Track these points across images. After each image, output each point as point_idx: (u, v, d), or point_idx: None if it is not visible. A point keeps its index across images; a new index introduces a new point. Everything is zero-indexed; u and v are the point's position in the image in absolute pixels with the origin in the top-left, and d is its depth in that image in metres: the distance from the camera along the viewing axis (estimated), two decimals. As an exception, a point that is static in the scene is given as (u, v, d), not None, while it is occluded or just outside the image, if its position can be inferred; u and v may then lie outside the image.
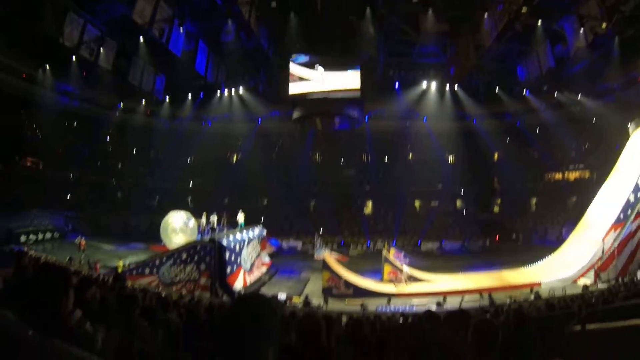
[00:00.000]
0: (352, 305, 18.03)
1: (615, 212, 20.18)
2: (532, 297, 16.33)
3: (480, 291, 18.17)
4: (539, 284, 19.06)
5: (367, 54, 29.13)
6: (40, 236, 27.45)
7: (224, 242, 19.62)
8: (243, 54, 29.57)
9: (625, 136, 22.94)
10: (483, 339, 2.16)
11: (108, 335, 2.97)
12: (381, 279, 21.99)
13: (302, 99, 30.53)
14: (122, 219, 34.90)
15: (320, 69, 29.56)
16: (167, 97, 35.58)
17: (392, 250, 24.86)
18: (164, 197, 37.24)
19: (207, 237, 20.62)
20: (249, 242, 22.77)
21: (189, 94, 36.41)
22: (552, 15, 23.64)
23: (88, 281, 4.77)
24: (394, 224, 35.38)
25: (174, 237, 23.08)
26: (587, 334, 2.35)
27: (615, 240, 19.06)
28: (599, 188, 22.92)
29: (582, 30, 22.44)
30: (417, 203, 39.41)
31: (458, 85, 33.57)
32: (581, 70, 26.77)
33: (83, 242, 23.87)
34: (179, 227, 23.55)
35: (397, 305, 17.94)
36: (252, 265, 22.85)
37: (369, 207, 39.90)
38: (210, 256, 18.84)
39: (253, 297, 1.49)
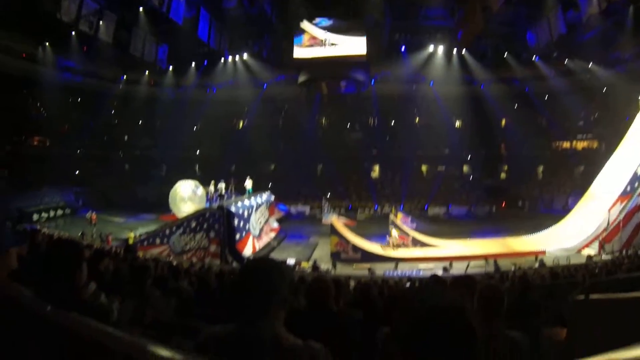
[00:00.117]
0: (360, 270, 18.24)
1: (622, 184, 20.02)
2: (536, 264, 16.45)
3: (485, 257, 18.33)
4: (544, 252, 19.14)
5: (373, 17, 28.50)
6: (51, 213, 27.77)
7: (233, 209, 19.61)
8: (246, 19, 29.11)
9: (636, 108, 22.48)
10: (489, 304, 2.19)
11: (122, 306, 3.06)
12: (388, 244, 22.22)
13: (308, 63, 30.06)
14: (130, 191, 35.23)
15: (327, 33, 28.99)
16: (171, 66, 35.24)
17: (400, 215, 25.01)
18: (171, 166, 37.41)
19: (215, 205, 20.66)
20: (257, 208, 22.79)
21: (193, 62, 36.00)
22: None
23: (101, 254, 4.87)
24: (401, 188, 35.40)
25: (182, 206, 23.29)
26: (590, 304, 2.37)
27: (621, 212, 18.94)
28: (607, 159, 22.66)
29: (595, -5, 21.72)
30: (424, 167, 39.33)
31: (465, 50, 32.77)
32: (593, 38, 25.94)
33: (94, 216, 24.12)
34: (187, 196, 23.76)
35: (404, 269, 18.16)
36: (261, 231, 22.98)
37: (376, 171, 39.90)
38: (219, 223, 18.90)
39: (262, 261, 1.50)
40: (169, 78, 36.74)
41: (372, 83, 35.34)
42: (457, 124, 39.37)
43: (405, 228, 22.48)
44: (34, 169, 29.54)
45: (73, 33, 26.04)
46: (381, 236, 23.27)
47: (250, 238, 20.91)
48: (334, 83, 32.12)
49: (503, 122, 37.90)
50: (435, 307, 0.96)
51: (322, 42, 29.59)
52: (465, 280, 3.00)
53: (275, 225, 26.20)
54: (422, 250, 20.97)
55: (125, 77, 36.00)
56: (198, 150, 40.47)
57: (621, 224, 18.26)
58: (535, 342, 2.43)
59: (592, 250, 18.44)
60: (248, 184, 24.54)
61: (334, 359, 1.43)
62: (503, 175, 38.24)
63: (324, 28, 29.54)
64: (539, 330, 3.03)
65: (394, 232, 21.70)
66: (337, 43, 29.32)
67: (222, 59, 35.05)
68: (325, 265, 18.62)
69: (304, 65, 30.48)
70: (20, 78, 28.93)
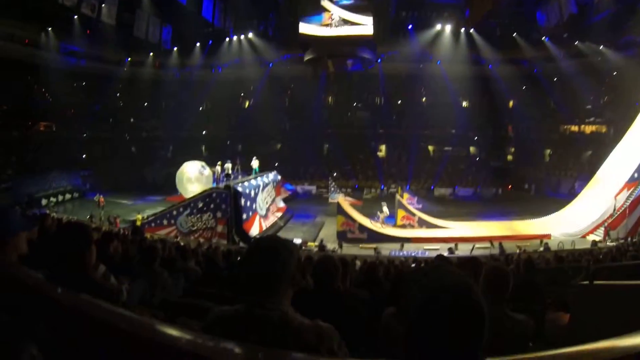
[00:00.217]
0: (366, 250, 18.36)
1: (629, 170, 19.78)
2: (541, 248, 16.46)
3: (491, 239, 18.37)
4: (549, 236, 19.15)
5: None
6: (60, 198, 27.99)
7: (240, 189, 19.53)
8: (251, -3, 28.68)
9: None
10: (494, 285, 2.20)
11: (132, 287, 3.11)
12: (395, 224, 22.26)
13: (314, 41, 29.69)
14: (137, 172, 35.43)
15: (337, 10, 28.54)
16: (175, 47, 35.02)
17: (406, 195, 25.03)
18: (177, 147, 37.44)
19: (222, 185, 20.63)
20: (263, 188, 22.75)
21: (197, 42, 35.72)
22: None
23: (109, 236, 4.92)
24: (408, 168, 35.32)
25: (189, 187, 23.36)
26: (594, 289, 2.38)
27: (627, 199, 18.82)
28: (615, 144, 22.34)
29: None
30: (430, 147, 39.16)
31: (473, 29, 32.17)
32: (604, 19, 25.43)
33: (102, 199, 24.24)
34: (194, 177, 23.83)
35: (409, 250, 18.25)
36: (268, 210, 23.00)
37: (382, 151, 39.79)
38: (226, 203, 18.87)
39: (270, 239, 1.50)
40: (174, 59, 36.54)
41: (379, 62, 34.94)
42: (464, 104, 39.02)
43: (412, 208, 22.50)
44: (41, 154, 29.75)
45: (75, 17, 25.91)
46: (387, 216, 23.34)
47: (257, 218, 20.90)
48: (341, 61, 31.75)
49: (511, 103, 37.44)
50: (442, 286, 0.96)
51: (330, 21, 29.07)
52: (470, 262, 3.01)
53: (282, 204, 26.25)
54: (428, 231, 21.01)
55: (129, 59, 35.82)
56: (204, 131, 40.41)
57: (627, 211, 18.18)
58: (539, 325, 2.45)
59: (597, 237, 18.39)
60: (254, 163, 24.56)
61: (341, 339, 1.44)
62: (510, 157, 38.04)
63: (344, 7, 28.94)
64: (543, 314, 3.06)
65: (385, 209, 21.80)
66: (345, 20, 28.81)
67: (227, 39, 34.78)
68: (331, 245, 18.70)
69: (310, 43, 30.10)
70: (24, 64, 28.95)
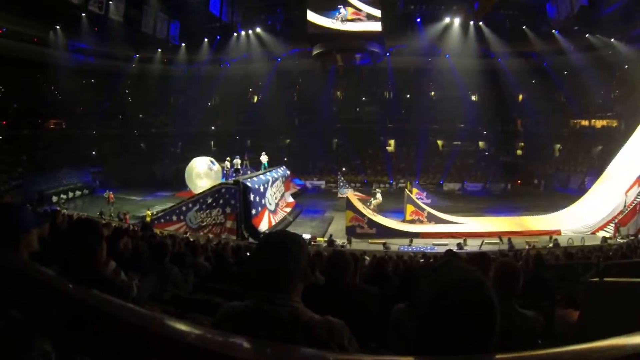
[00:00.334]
0: (375, 245, 18.32)
1: None
2: (550, 244, 16.34)
3: (500, 235, 18.26)
4: (559, 232, 19.00)
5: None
6: (70, 194, 28.20)
7: (249, 184, 19.53)
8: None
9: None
10: (504, 281, 2.18)
11: (142, 283, 3.14)
12: (403, 219, 22.22)
13: (322, 35, 29.57)
14: (146, 169, 35.71)
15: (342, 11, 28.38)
16: (183, 43, 35.13)
17: (415, 190, 24.97)
18: (186, 143, 37.68)
19: (231, 180, 20.66)
20: (272, 183, 22.77)
21: (205, 38, 35.74)
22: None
23: (119, 232, 4.97)
24: (417, 163, 35.25)
25: (199, 182, 23.45)
26: (603, 287, 2.35)
27: (638, 195, 18.63)
28: (626, 139, 22.07)
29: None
30: (439, 142, 39.01)
31: (482, 21, 31.81)
32: (615, 12, 24.94)
33: (111, 195, 24.44)
34: (203, 172, 23.92)
35: (418, 245, 18.21)
36: (277, 205, 23.01)
37: (391, 145, 39.71)
38: (235, 199, 18.85)
39: (281, 233, 1.50)
40: (182, 54, 36.62)
41: (388, 55, 34.76)
42: (473, 98, 38.78)
43: (421, 203, 22.43)
44: (51, 152, 30.08)
45: (83, 14, 26.09)
46: (396, 211, 23.31)
47: (266, 213, 20.88)
48: (349, 55, 31.59)
49: (520, 97, 37.13)
50: (453, 281, 0.96)
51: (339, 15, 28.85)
52: (480, 257, 3.00)
53: (291, 199, 26.27)
54: (437, 226, 20.95)
55: (137, 55, 36.02)
56: (213, 126, 40.57)
57: (638, 207, 17.96)
58: (548, 322, 2.44)
59: (607, 233, 18.20)
60: (263, 158, 24.63)
61: (352, 334, 1.43)
62: (519, 152, 37.72)
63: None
64: (552, 311, 3.04)
65: (379, 196, 21.76)
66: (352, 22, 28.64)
67: (235, 34, 34.72)
68: (340, 240, 18.70)
69: (318, 37, 29.98)
70: (33, 63, 29.27)
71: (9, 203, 3.97)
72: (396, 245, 17.95)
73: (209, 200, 19.26)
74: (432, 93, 39.88)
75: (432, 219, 21.61)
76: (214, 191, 19.57)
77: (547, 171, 33.57)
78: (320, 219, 24.11)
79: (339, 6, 28.22)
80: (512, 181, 33.57)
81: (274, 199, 22.75)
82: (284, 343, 1.16)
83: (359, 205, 20.98)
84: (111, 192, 24.96)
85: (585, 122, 34.53)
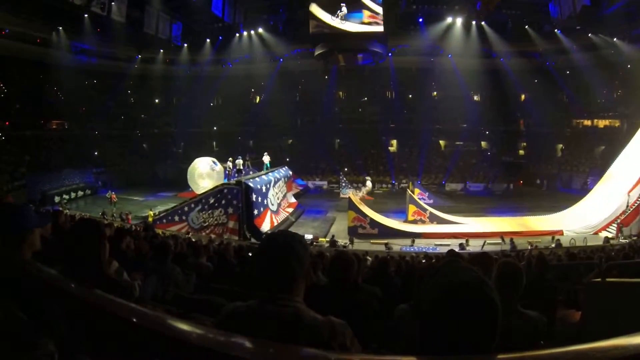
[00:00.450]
0: (377, 245, 18.31)
1: None
2: (553, 244, 16.30)
3: (502, 235, 18.23)
4: (561, 232, 18.96)
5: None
6: (72, 195, 28.24)
7: (251, 184, 19.54)
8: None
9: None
10: (507, 281, 2.17)
11: (144, 283, 3.15)
12: (406, 219, 22.20)
13: (324, 35, 29.58)
14: (149, 169, 35.79)
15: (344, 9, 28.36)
16: (185, 43, 35.21)
17: (417, 190, 24.97)
18: (189, 144, 37.80)
19: (233, 180, 20.65)
20: (275, 183, 22.79)
21: (207, 38, 35.85)
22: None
23: (122, 232, 4.98)
24: (419, 163, 35.30)
25: (201, 183, 23.53)
26: (606, 287, 2.35)
27: None
28: (629, 139, 21.90)
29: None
30: (441, 142, 39.00)
31: (485, 21, 31.76)
32: (618, 11, 24.86)
33: (113, 195, 24.50)
34: (205, 172, 23.98)
35: (420, 245, 18.20)
36: (279, 206, 23.03)
37: (393, 145, 39.71)
38: (237, 199, 18.84)
39: (284, 233, 1.49)
40: (184, 55, 36.70)
41: (390, 55, 34.76)
42: (476, 98, 38.75)
43: (423, 203, 22.42)
44: (54, 152, 30.19)
45: (86, 15, 26.20)
46: (398, 212, 23.29)
47: (268, 213, 20.89)
48: (351, 55, 31.60)
49: (522, 97, 37.09)
50: (455, 281, 0.96)
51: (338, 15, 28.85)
52: (482, 258, 2.99)
53: (293, 200, 26.29)
54: (439, 227, 20.93)
55: (140, 56, 36.10)
56: (215, 127, 40.63)
57: (640, 208, 17.89)
58: (550, 322, 2.43)
59: (609, 233, 18.14)
60: (265, 159, 24.65)
61: (354, 334, 1.43)
62: (521, 152, 37.67)
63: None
64: (554, 311, 3.03)
65: (368, 183, 21.76)
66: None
67: (237, 34, 34.76)
68: (342, 241, 18.70)
69: (320, 37, 30.00)
70: (36, 63, 29.59)
71: (13, 203, 3.98)
72: (398, 245, 17.96)
73: (211, 201, 19.24)
74: (435, 93, 39.94)
75: (434, 219, 21.59)
76: (216, 191, 19.56)
77: (550, 171, 33.54)
78: (323, 219, 24.12)
79: (342, 4, 28.24)
80: (515, 181, 33.53)
81: (276, 199, 22.75)
82: (286, 343, 1.16)
83: (361, 206, 20.99)
84: (113, 193, 25.02)
85: (587, 122, 34.49)
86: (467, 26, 31.86)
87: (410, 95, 40.38)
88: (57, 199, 26.24)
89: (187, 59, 37.10)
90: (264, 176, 22.11)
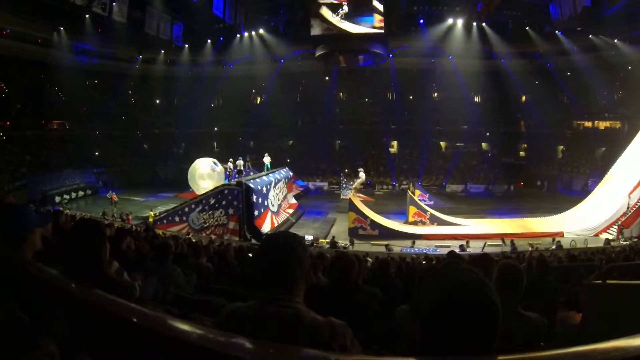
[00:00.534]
0: (377, 247, 18.29)
1: None
2: (553, 246, 16.28)
3: (503, 237, 18.22)
4: (562, 234, 18.93)
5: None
6: (73, 195, 28.24)
7: (251, 185, 19.51)
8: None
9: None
10: (508, 282, 2.17)
11: (145, 283, 3.15)
12: (406, 220, 22.18)
13: (325, 36, 29.60)
14: (149, 169, 35.81)
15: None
16: (186, 44, 35.27)
17: (417, 192, 24.94)
18: (189, 144, 37.83)
19: (234, 181, 20.60)
20: (275, 184, 22.77)
21: (208, 39, 35.92)
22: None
23: (122, 233, 4.99)
24: (419, 164, 35.32)
25: (201, 183, 23.53)
26: (606, 289, 2.34)
27: None
28: (630, 140, 21.83)
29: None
30: (442, 143, 38.99)
31: (485, 22, 31.78)
32: (618, 12, 24.88)
33: (114, 196, 24.51)
34: (206, 173, 23.99)
35: (421, 246, 18.18)
36: (279, 207, 23.00)
37: (394, 147, 39.71)
38: (237, 200, 18.80)
39: (285, 234, 1.48)
40: (185, 55, 36.79)
41: (391, 57, 34.84)
42: (476, 99, 38.76)
43: (423, 205, 22.42)
44: (55, 152, 30.23)
45: (87, 16, 26.28)
46: (399, 213, 23.26)
47: (269, 214, 20.87)
48: (352, 56, 31.64)
49: (523, 98, 37.08)
50: (455, 282, 0.96)
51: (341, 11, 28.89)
52: (482, 259, 2.99)
53: (293, 201, 26.27)
54: (440, 228, 20.91)
55: (141, 56, 36.18)
56: (216, 127, 40.65)
57: (641, 209, 17.85)
58: (550, 324, 2.43)
59: (610, 235, 18.11)
60: (266, 159, 24.65)
61: (355, 335, 1.43)
62: (522, 153, 37.66)
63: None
64: (555, 313, 3.02)
65: (362, 174, 21.78)
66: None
67: (238, 35, 34.81)
68: (343, 242, 18.67)
69: (321, 38, 30.03)
70: (37, 63, 29.63)
71: (13, 203, 3.99)
72: (398, 246, 17.92)
73: (212, 202, 19.21)
74: (435, 94, 39.98)
75: (434, 220, 21.57)
76: (216, 192, 19.52)
77: (550, 172, 33.52)
78: (323, 220, 24.09)
79: (344, 3, 28.29)
80: (515, 183, 33.50)
81: (277, 200, 22.74)
82: (286, 344, 1.16)
83: (361, 207, 20.97)
84: (114, 193, 25.03)
85: (588, 123, 34.46)
86: (467, 27, 31.92)
87: (411, 97, 40.37)
88: (57, 199, 26.25)
89: (188, 59, 37.19)
90: (264, 177, 22.09)
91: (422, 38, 33.41)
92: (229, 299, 3.00)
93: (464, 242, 17.57)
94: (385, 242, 18.25)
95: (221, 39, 35.63)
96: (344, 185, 29.80)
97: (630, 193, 18.85)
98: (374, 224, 20.24)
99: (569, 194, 27.73)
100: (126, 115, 38.89)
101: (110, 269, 2.32)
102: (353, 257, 2.81)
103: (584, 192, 24.43)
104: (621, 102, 32.03)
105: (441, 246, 17.89)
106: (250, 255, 7.94)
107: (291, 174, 27.03)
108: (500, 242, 17.82)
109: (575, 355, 0.73)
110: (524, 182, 33.73)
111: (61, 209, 18.37)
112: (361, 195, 27.05)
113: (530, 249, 15.41)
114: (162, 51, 35.84)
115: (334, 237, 18.97)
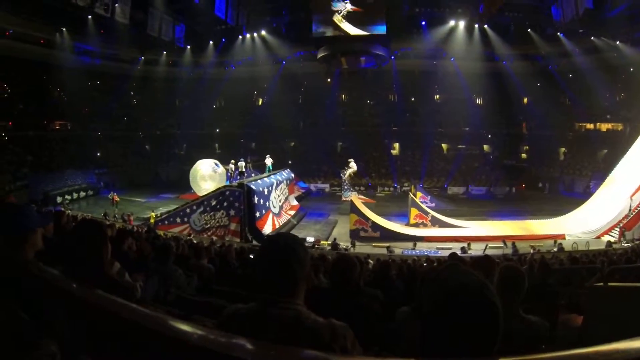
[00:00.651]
0: (378, 248, 18.27)
1: None
2: (555, 248, 16.24)
3: (504, 239, 18.19)
4: (563, 236, 18.87)
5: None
6: (75, 195, 28.28)
7: (253, 186, 19.48)
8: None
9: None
10: (509, 285, 2.16)
11: (146, 284, 3.15)
12: (407, 222, 22.16)
13: (327, 38, 29.64)
14: (151, 170, 35.86)
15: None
16: (189, 45, 35.35)
17: (419, 194, 24.92)
18: (191, 145, 37.86)
19: (235, 182, 20.63)
20: (277, 186, 22.74)
21: (211, 40, 36.02)
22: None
23: (123, 233, 4.99)
24: (421, 166, 35.28)
25: (203, 184, 23.52)
26: (608, 291, 2.34)
27: None
28: (632, 142, 21.77)
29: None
30: (444, 145, 38.97)
31: (487, 24, 31.79)
32: (621, 14, 24.89)
33: (116, 196, 24.52)
34: (207, 174, 23.98)
35: (422, 249, 18.16)
36: (281, 208, 22.96)
37: (396, 149, 39.68)
38: (239, 201, 18.77)
39: (286, 236, 1.49)
40: (187, 57, 36.88)
41: (393, 58, 34.87)
42: (478, 101, 38.74)
43: (425, 207, 22.39)
44: (57, 152, 30.30)
45: (89, 17, 26.38)
46: (400, 215, 23.24)
47: (270, 216, 20.85)
48: (354, 58, 31.68)
49: (525, 100, 37.05)
50: (457, 285, 0.96)
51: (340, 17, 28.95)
52: (484, 261, 2.99)
53: (295, 202, 26.24)
54: (441, 230, 20.89)
55: (143, 57, 36.31)
56: (218, 129, 40.69)
57: (643, 212, 17.80)
58: (552, 327, 2.42)
59: (612, 237, 18.05)
60: (268, 161, 24.66)
61: (356, 337, 1.43)
62: (524, 155, 37.60)
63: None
64: (556, 315, 3.01)
65: (353, 164, 21.81)
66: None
67: (240, 36, 34.90)
68: (344, 244, 18.64)
69: (323, 40, 30.08)
70: (39, 64, 29.70)
71: (15, 203, 4.00)
72: (400, 248, 17.92)
73: (213, 203, 19.19)
74: (437, 96, 39.93)
75: (436, 222, 21.55)
76: (218, 193, 19.52)
77: (552, 175, 33.46)
78: (324, 222, 24.06)
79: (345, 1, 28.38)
80: (517, 185, 33.45)
81: (278, 201, 22.70)
82: (287, 345, 1.15)
83: (363, 209, 20.95)
84: (115, 194, 25.05)
85: (590, 126, 34.37)
86: (469, 29, 31.96)
87: (412, 98, 40.33)
88: (59, 199, 26.30)
89: (190, 60, 37.29)
90: (266, 179, 22.09)
91: (424, 40, 33.47)
92: (230, 301, 2.99)
93: (465, 244, 17.54)
94: (387, 244, 18.21)
95: (223, 40, 35.71)
96: (346, 187, 29.81)
97: (632, 195, 18.80)
98: (376, 226, 20.22)
99: (571, 196, 27.66)
100: (128, 116, 38.99)
101: (112, 269, 2.32)
102: (354, 258, 2.81)
103: (586, 195, 24.37)
104: (623, 104, 31.95)
105: (442, 248, 17.88)
106: (252, 256, 7.93)
107: (293, 175, 27.02)
108: (501, 245, 17.76)
109: (577, 358, 0.73)
110: (526, 184, 33.66)
111: (63, 209, 18.38)
112: (363, 197, 27.09)
113: (531, 251, 15.37)
114: (164, 52, 35.96)
115: (335, 239, 18.94)
